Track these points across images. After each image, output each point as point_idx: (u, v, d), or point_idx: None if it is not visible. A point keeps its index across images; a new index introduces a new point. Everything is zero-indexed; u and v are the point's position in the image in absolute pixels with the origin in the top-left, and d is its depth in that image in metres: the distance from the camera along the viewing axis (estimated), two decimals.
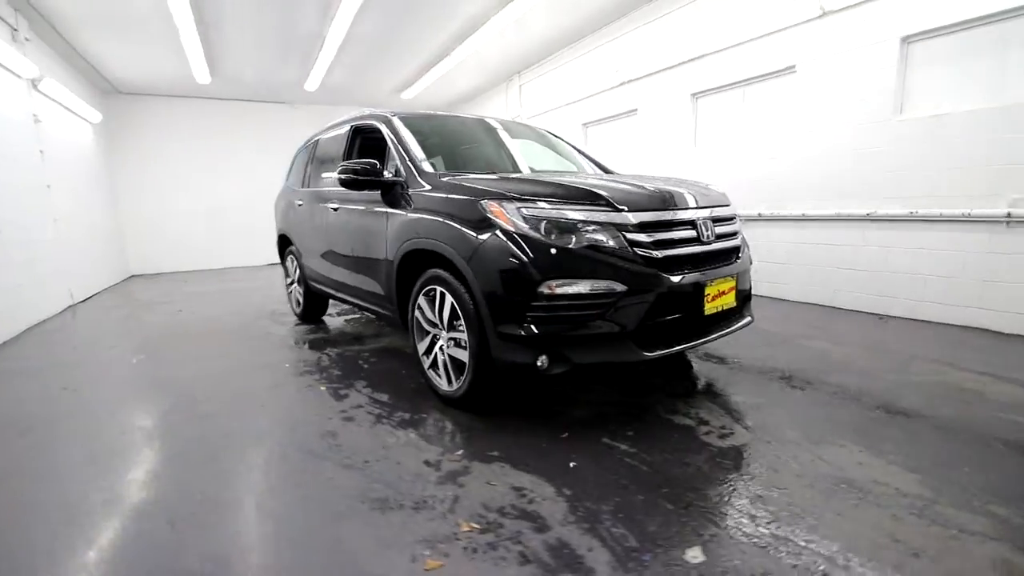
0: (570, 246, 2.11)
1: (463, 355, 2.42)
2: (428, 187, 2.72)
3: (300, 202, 4.39)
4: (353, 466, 2.05)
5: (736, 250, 2.62)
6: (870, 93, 4.19)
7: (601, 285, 2.09)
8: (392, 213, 2.86)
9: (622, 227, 2.16)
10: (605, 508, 1.71)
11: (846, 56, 4.32)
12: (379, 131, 3.36)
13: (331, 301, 4.81)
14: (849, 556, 1.44)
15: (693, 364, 3.16)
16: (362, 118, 3.63)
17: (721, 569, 1.41)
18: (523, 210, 2.16)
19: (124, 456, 2.21)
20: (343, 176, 2.96)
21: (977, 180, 3.63)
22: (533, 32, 7.11)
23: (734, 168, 5.32)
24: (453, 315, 2.45)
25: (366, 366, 3.39)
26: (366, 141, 3.84)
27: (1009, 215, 3.45)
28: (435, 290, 2.55)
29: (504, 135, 3.60)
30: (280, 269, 5.47)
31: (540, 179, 2.55)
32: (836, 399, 2.57)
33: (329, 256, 3.80)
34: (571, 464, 2.01)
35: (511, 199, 2.21)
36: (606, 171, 3.70)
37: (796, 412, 2.44)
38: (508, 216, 2.16)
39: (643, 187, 2.40)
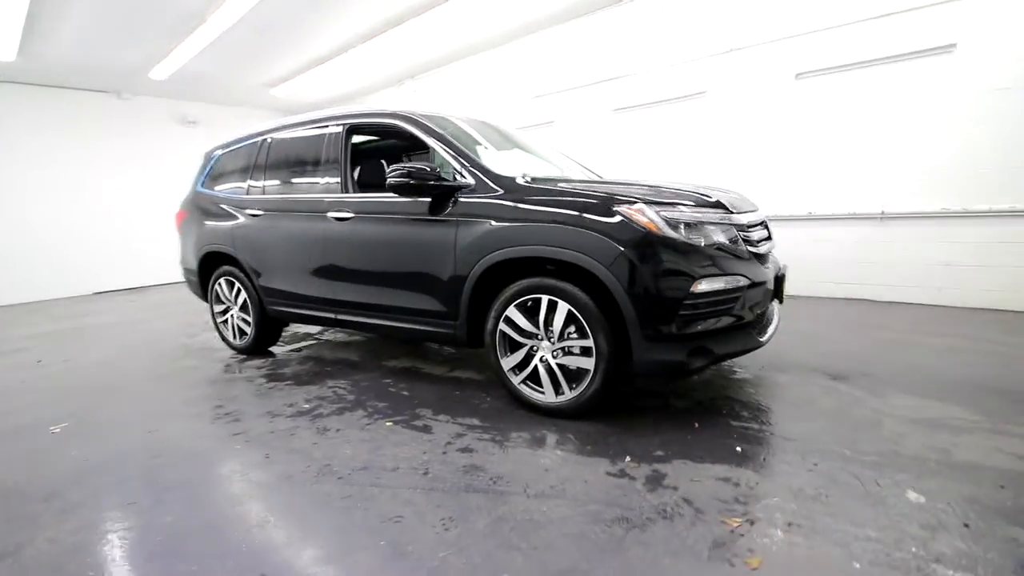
0: (705, 246, 2.25)
1: (584, 362, 2.37)
2: (503, 192, 2.58)
3: (255, 212, 3.67)
4: (544, 494, 1.87)
5: None
6: (772, 115, 5.17)
7: (733, 280, 2.27)
8: (465, 221, 2.62)
9: (739, 227, 2.38)
10: (809, 482, 1.89)
11: (750, 85, 5.26)
12: (400, 132, 3.05)
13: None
14: None
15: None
16: (367, 115, 3.23)
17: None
18: (662, 213, 2.23)
19: None
20: (395, 181, 2.64)
21: (854, 184, 4.77)
22: (444, 37, 6.99)
23: (654, 175, 6.00)
24: (567, 323, 2.39)
25: (406, 393, 3.02)
26: (364, 142, 3.42)
27: (883, 212, 4.62)
28: (539, 299, 2.45)
29: (499, 138, 3.50)
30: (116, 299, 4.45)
31: (652, 185, 2.57)
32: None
33: (328, 273, 3.27)
34: (737, 449, 2.15)
35: (648, 203, 2.25)
36: (596, 175, 3.88)
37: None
38: (652, 220, 2.20)
39: (729, 192, 2.66)
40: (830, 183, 4.93)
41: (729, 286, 2.26)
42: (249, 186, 3.82)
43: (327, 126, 3.39)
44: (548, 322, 2.45)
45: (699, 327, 2.22)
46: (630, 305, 2.21)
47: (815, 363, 3.18)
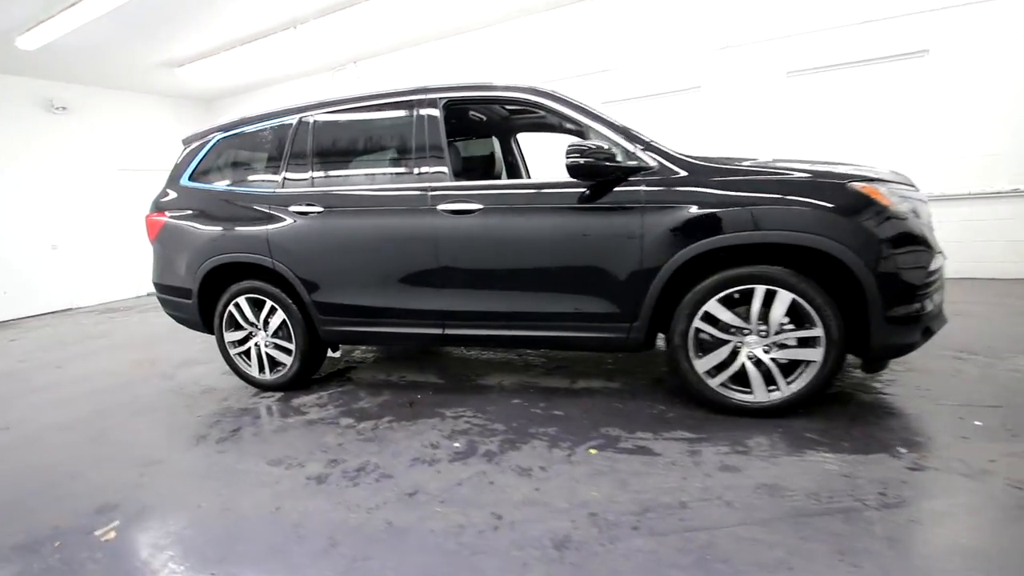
0: (925, 223, 2.23)
1: (804, 353, 2.22)
2: (687, 174, 2.33)
3: (305, 209, 2.90)
4: (888, 504, 1.67)
5: None
6: (764, 110, 5.51)
7: (942, 257, 2.29)
8: (653, 208, 2.30)
9: (925, 203, 2.41)
10: None
11: (744, 81, 5.55)
12: (533, 108, 2.63)
13: None
14: None
15: None
16: (478, 89, 2.75)
17: None
18: (893, 191, 2.15)
19: None
20: (585, 162, 2.25)
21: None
22: (406, 21, 6.34)
23: None
24: (786, 313, 2.21)
25: (559, 412, 2.59)
26: (460, 123, 2.88)
27: None
28: (751, 290, 2.23)
29: None
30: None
31: (838, 162, 2.48)
32: None
33: (440, 279, 2.67)
34: (976, 423, 2.15)
35: (879, 181, 2.16)
36: None
37: None
38: (891, 199, 2.10)
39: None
40: None
41: (940, 263, 2.27)
42: (285, 179, 3.01)
43: (412, 103, 2.79)
44: (761, 314, 2.24)
45: (929, 306, 2.19)
46: (875, 287, 2.09)
47: None
